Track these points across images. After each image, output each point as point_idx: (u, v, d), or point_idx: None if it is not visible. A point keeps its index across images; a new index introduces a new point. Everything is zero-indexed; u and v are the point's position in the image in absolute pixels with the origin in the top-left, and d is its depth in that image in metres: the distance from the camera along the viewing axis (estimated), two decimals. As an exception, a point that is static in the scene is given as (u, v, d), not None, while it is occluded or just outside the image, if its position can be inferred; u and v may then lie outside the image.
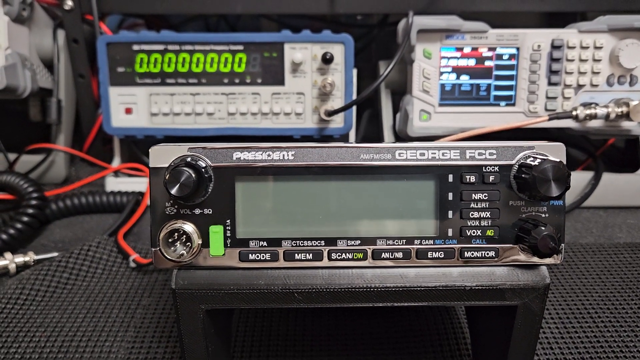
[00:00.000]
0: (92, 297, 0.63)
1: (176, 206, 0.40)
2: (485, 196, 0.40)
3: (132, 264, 0.67)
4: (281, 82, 0.81)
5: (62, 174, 0.92)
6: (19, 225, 0.71)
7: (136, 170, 0.88)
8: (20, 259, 0.67)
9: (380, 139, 0.88)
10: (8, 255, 0.67)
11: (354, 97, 0.82)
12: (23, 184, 0.76)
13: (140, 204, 0.81)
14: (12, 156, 0.87)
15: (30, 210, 0.73)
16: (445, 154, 0.40)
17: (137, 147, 0.89)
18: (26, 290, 0.63)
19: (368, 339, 0.56)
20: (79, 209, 0.81)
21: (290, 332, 0.57)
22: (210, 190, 0.40)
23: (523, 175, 0.39)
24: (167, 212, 0.40)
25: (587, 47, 0.79)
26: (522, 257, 0.40)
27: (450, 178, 0.40)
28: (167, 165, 0.39)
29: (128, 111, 0.82)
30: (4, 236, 0.70)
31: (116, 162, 0.89)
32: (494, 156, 0.40)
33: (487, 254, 0.40)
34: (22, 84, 0.80)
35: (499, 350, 0.45)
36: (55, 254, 0.69)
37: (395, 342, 0.55)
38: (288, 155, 0.40)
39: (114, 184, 0.87)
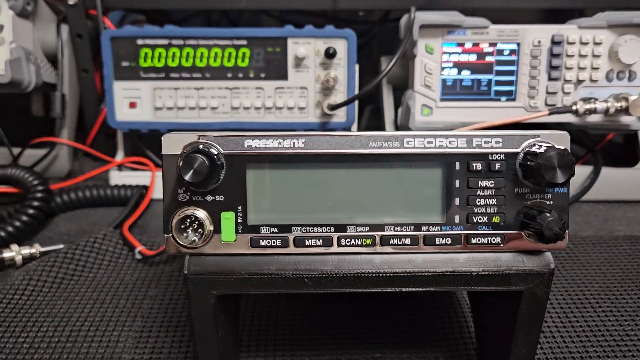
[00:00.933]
0: (99, 288, 0.64)
1: (188, 193, 0.40)
2: (491, 183, 0.41)
3: (138, 256, 0.68)
4: (284, 76, 0.81)
5: (65, 167, 0.92)
6: (24, 218, 0.72)
7: (140, 164, 0.88)
8: (26, 250, 0.68)
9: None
10: (14, 247, 0.68)
11: (356, 91, 0.83)
12: (28, 177, 0.77)
13: (145, 197, 0.81)
14: (15, 150, 0.88)
15: (36, 203, 0.73)
16: (452, 142, 0.41)
17: (140, 141, 0.89)
18: (33, 281, 0.63)
19: (373, 326, 0.57)
20: (84, 202, 0.82)
21: (297, 319, 0.58)
22: (222, 177, 0.40)
23: (528, 163, 0.40)
24: (179, 199, 0.40)
25: (587, 43, 0.80)
26: (528, 243, 0.41)
27: (457, 166, 0.41)
28: (179, 152, 0.40)
29: (132, 105, 0.82)
30: (10, 228, 0.70)
31: (120, 156, 0.90)
32: (500, 144, 0.41)
33: (493, 240, 0.41)
34: (26, 78, 0.80)
35: (503, 337, 0.46)
36: (61, 246, 0.69)
37: (400, 329, 0.56)
38: (299, 143, 0.40)
39: (117, 177, 0.87)
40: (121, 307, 0.60)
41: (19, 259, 0.67)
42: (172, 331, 0.56)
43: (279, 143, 0.40)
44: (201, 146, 0.40)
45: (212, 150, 0.40)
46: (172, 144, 0.40)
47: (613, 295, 0.61)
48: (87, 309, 0.60)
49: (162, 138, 0.40)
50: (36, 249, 0.68)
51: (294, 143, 0.40)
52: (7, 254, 0.67)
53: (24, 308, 0.60)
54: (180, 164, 0.38)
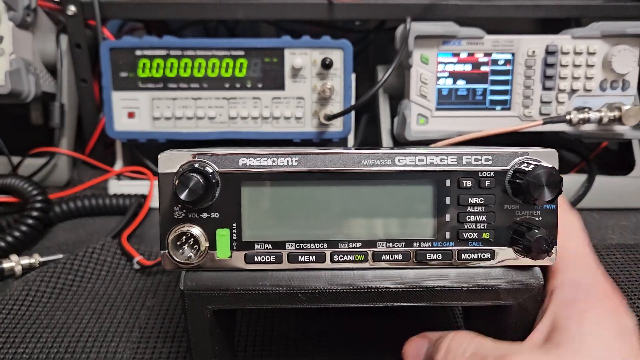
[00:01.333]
0: (97, 299, 0.64)
1: (184, 210, 0.41)
2: (481, 200, 0.42)
3: (136, 266, 0.69)
4: (281, 86, 0.82)
5: (64, 177, 0.93)
6: (24, 228, 0.72)
7: (138, 173, 0.89)
8: (26, 260, 0.68)
9: (378, 143, 0.89)
10: (14, 257, 0.68)
11: (353, 101, 0.84)
12: (28, 187, 0.77)
13: (143, 206, 0.82)
14: (13, 159, 0.88)
15: (35, 213, 0.74)
16: (443, 160, 0.42)
17: (138, 150, 0.90)
18: (32, 291, 0.64)
19: (367, 339, 0.57)
20: (82, 211, 0.82)
21: (291, 331, 0.58)
22: (217, 195, 0.41)
23: (517, 181, 0.40)
24: (175, 216, 0.41)
25: (581, 53, 0.81)
26: (517, 258, 0.42)
27: (448, 183, 0.42)
28: (175, 170, 0.41)
29: (131, 115, 0.83)
30: (10, 238, 0.71)
31: (118, 165, 0.91)
32: (490, 162, 0.42)
33: (483, 255, 0.42)
34: (26, 89, 0.81)
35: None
36: (60, 256, 0.70)
37: (394, 342, 0.57)
38: (292, 161, 0.41)
39: (116, 186, 0.88)
40: (119, 317, 0.61)
41: (18, 269, 0.68)
42: (169, 342, 0.57)
43: (273, 161, 0.41)
44: (196, 165, 0.40)
45: (207, 168, 0.41)
46: (168, 163, 0.41)
47: (605, 305, 0.62)
48: (85, 319, 0.61)
49: (159, 157, 0.41)
50: (35, 259, 0.69)
51: (287, 161, 0.41)
52: (6, 264, 0.67)
53: (24, 319, 0.61)
54: (176, 183, 0.39)
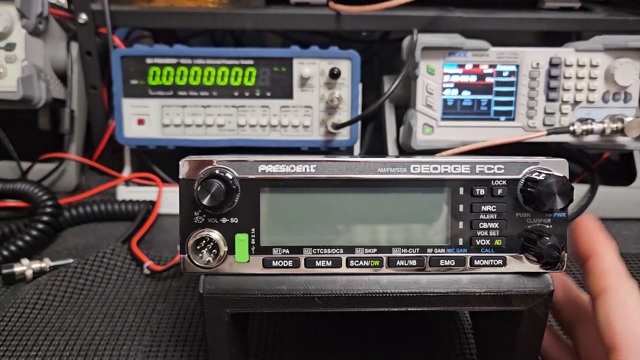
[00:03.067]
0: (108, 303, 0.65)
1: (204, 215, 0.42)
2: (493, 208, 0.43)
3: (147, 271, 0.70)
4: (290, 95, 0.83)
5: (73, 182, 0.94)
6: (35, 232, 0.73)
7: (147, 180, 0.90)
8: (36, 264, 0.69)
9: (384, 151, 0.91)
10: (25, 261, 0.69)
11: (360, 110, 0.85)
12: (38, 192, 0.78)
13: (152, 212, 0.83)
14: (22, 164, 0.89)
15: (46, 218, 0.75)
16: (456, 169, 0.43)
17: (148, 157, 0.91)
18: (44, 295, 0.65)
19: (377, 343, 0.58)
20: (92, 216, 0.83)
21: (303, 334, 0.59)
22: (236, 200, 0.42)
23: (529, 189, 0.42)
24: (195, 221, 0.42)
25: (584, 66, 0.82)
26: (528, 265, 0.43)
27: (461, 191, 0.43)
28: (195, 177, 0.42)
29: (140, 122, 0.84)
30: (21, 242, 0.72)
31: (127, 172, 0.91)
32: (502, 171, 0.43)
33: (495, 262, 0.43)
34: (37, 95, 0.82)
35: (503, 355, 0.48)
36: (70, 261, 0.71)
37: (403, 346, 0.58)
38: (310, 168, 0.42)
39: (125, 192, 0.89)
40: (130, 321, 0.62)
41: (29, 273, 0.69)
42: (180, 345, 0.58)
43: (292, 168, 0.42)
44: (217, 171, 0.41)
45: (227, 175, 0.42)
46: (189, 169, 0.42)
47: (609, 313, 0.63)
48: (97, 323, 0.61)
49: (180, 162, 0.42)
50: (46, 263, 0.70)
51: (305, 168, 0.42)
52: (17, 268, 0.68)
53: (35, 322, 0.61)
54: (198, 189, 0.40)
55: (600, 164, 0.94)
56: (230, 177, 0.42)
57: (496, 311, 0.45)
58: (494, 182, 0.43)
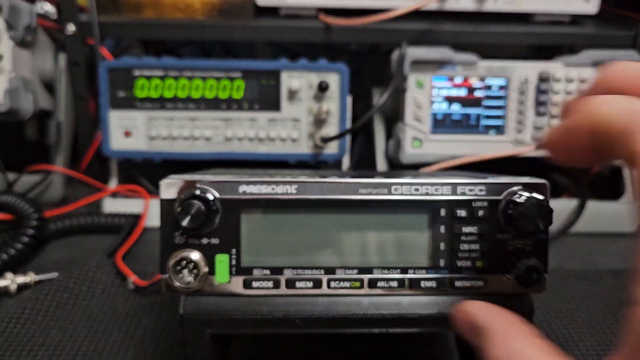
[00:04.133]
0: (92, 318, 0.64)
1: (185, 236, 0.42)
2: (474, 229, 0.43)
3: (131, 286, 0.69)
4: (278, 108, 0.83)
5: (59, 194, 0.93)
6: (20, 246, 0.73)
7: (133, 192, 0.89)
8: (21, 279, 0.69)
9: (373, 164, 0.91)
10: (9, 275, 0.68)
11: (349, 123, 0.85)
12: (24, 205, 0.78)
13: (138, 225, 0.82)
14: (8, 175, 0.89)
15: (31, 231, 0.74)
16: (437, 190, 0.43)
17: (135, 169, 0.91)
18: (27, 310, 0.64)
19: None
20: (77, 229, 0.83)
21: (286, 356, 0.59)
22: (217, 221, 0.42)
23: (509, 211, 0.42)
24: (176, 242, 0.42)
25: (572, 80, 0.83)
26: (509, 286, 0.43)
27: (443, 212, 0.43)
28: (176, 197, 0.41)
29: (127, 134, 0.84)
30: (6, 257, 0.71)
31: (113, 184, 0.91)
32: (483, 192, 0.43)
33: (477, 283, 0.43)
34: (24, 107, 0.82)
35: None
36: (55, 274, 0.70)
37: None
38: (291, 189, 0.42)
39: (111, 205, 0.88)
40: (114, 337, 0.61)
41: (13, 287, 0.68)
42: (164, 363, 0.57)
43: (272, 189, 0.42)
44: (198, 192, 0.41)
45: (208, 195, 0.41)
46: (170, 189, 0.42)
47: (594, 330, 0.63)
48: (80, 338, 0.61)
49: (160, 183, 0.42)
50: (31, 277, 0.69)
51: (286, 189, 0.42)
52: (1, 283, 0.67)
53: (19, 337, 0.61)
54: (179, 210, 0.40)
55: (589, 178, 0.94)
56: (211, 197, 0.41)
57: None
58: (474, 204, 0.43)
